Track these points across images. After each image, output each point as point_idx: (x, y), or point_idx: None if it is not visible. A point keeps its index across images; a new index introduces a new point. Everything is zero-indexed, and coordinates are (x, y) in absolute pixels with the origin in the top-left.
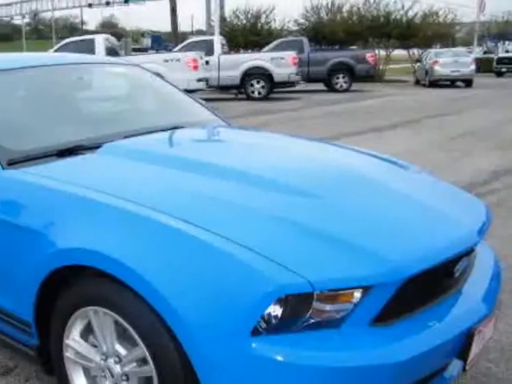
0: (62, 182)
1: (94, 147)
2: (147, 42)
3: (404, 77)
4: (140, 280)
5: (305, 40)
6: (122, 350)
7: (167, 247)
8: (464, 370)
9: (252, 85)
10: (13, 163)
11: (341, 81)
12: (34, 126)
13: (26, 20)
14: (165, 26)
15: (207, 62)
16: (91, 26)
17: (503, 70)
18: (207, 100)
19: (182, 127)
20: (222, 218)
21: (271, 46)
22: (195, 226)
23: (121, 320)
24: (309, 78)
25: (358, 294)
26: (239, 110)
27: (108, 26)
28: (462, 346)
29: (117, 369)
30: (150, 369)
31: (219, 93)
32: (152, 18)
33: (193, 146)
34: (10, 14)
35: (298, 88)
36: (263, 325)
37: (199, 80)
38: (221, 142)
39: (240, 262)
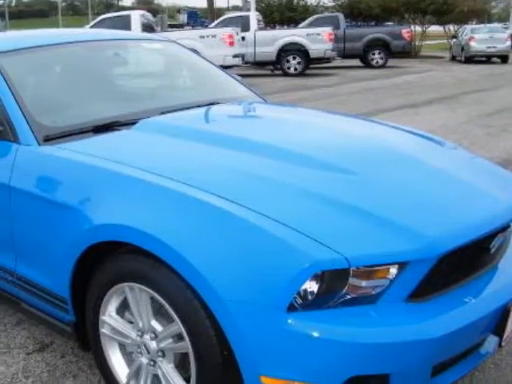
0: (97, 158)
1: (129, 123)
2: (183, 18)
3: (440, 53)
4: (176, 256)
5: (340, 16)
6: (158, 326)
7: (203, 223)
8: (500, 345)
9: (288, 61)
10: (49, 139)
11: (376, 57)
12: (70, 103)
13: None
14: (201, 2)
15: (243, 38)
16: (127, 2)
17: None
18: (243, 76)
19: (217, 103)
20: (258, 193)
21: (307, 22)
22: (231, 201)
23: (157, 296)
24: (344, 54)
25: (393, 270)
26: (275, 86)
27: (144, 2)
28: (498, 321)
29: (153, 345)
30: (186, 345)
31: (255, 69)
32: None
33: (228, 122)
34: None
35: (333, 64)
36: (299, 301)
37: (235, 56)
38: (256, 118)
39: (276, 238)
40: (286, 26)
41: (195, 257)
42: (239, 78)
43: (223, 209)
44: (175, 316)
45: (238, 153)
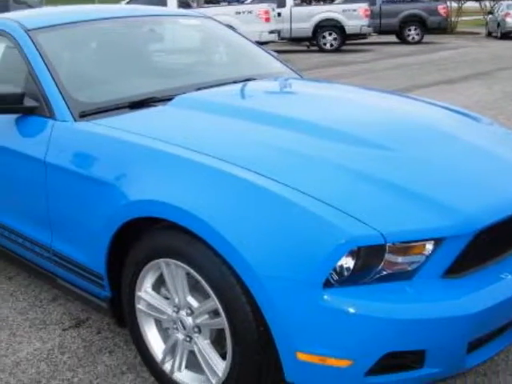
0: (133, 134)
1: (165, 99)
2: None
3: (476, 29)
4: (212, 232)
5: None
6: (193, 302)
7: (239, 199)
8: None
9: (324, 37)
10: (85, 115)
11: (412, 33)
12: (106, 79)
13: None
14: None
15: (279, 14)
16: None
17: None
18: (279, 52)
19: (253, 79)
20: (295, 169)
21: None
22: (267, 177)
23: (192, 272)
24: (380, 30)
25: (430, 246)
26: (311, 62)
27: None
28: None
29: (189, 321)
30: (222, 321)
31: (291, 45)
32: None
33: (264, 98)
34: None
35: (369, 40)
36: (335, 277)
37: (271, 32)
38: (293, 94)
39: (312, 214)
40: (321, 2)
41: (231, 233)
42: (275, 54)
43: (259, 185)
44: (211, 292)
45: (274, 129)
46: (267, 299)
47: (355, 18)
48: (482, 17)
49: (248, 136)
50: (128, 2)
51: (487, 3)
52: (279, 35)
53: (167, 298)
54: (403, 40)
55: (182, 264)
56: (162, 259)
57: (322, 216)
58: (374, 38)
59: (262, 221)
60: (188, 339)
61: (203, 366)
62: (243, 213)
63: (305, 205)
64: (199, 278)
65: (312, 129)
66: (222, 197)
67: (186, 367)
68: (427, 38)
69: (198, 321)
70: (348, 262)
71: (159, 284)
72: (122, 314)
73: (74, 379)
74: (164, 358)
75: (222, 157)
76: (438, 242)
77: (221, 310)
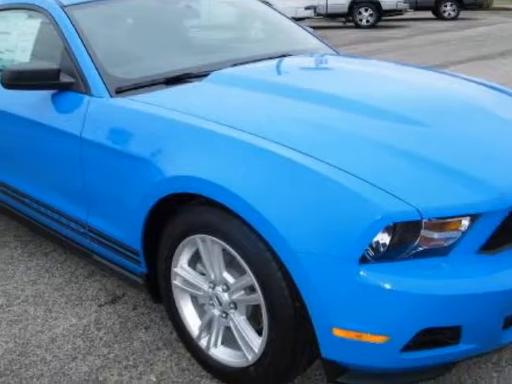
0: (169, 110)
1: (201, 75)
2: None
3: None
4: (248, 208)
5: None
6: (229, 278)
7: (275, 175)
8: None
9: (360, 13)
10: (121, 91)
11: (448, 9)
12: (142, 55)
13: None
14: None
15: None
16: None
17: None
18: (315, 28)
19: (289, 55)
20: (331, 146)
21: None
22: (303, 154)
23: (228, 248)
24: (416, 6)
25: (466, 222)
26: (347, 38)
27: None
28: None
29: (225, 297)
30: (258, 297)
31: (327, 21)
32: None
33: (300, 74)
34: None
35: (405, 16)
36: (371, 253)
37: (307, 8)
38: (328, 70)
39: (348, 191)
40: None
41: (267, 209)
42: (311, 30)
43: (295, 161)
44: (247, 268)
45: (310, 105)
46: (303, 275)
47: None
48: None
49: (284, 112)
50: None
51: None
52: (315, 11)
53: (203, 274)
54: (439, 16)
55: (218, 240)
56: (197, 235)
57: (358, 192)
58: (410, 14)
59: (298, 197)
60: (224, 315)
61: (239, 342)
62: (279, 189)
63: (341, 181)
64: (235, 253)
65: (348, 105)
66: (258, 173)
67: (222, 343)
68: (463, 14)
69: (234, 297)
70: (384, 238)
71: (195, 260)
72: (157, 289)
73: (109, 355)
74: (200, 334)
75: (257, 133)
76: (473, 218)
77: (257, 286)
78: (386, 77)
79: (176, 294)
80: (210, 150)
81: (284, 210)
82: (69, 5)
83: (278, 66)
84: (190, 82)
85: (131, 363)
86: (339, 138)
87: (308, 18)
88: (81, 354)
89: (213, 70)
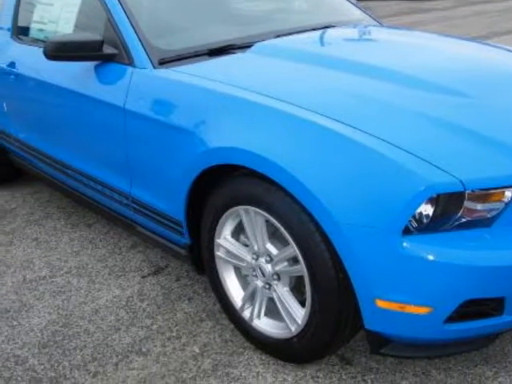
0: (213, 81)
1: (245, 46)
2: None
3: None
4: (291, 179)
5: None
6: (273, 250)
7: (318, 146)
8: None
9: None
10: (164, 62)
11: None
12: (185, 26)
13: None
14: None
15: None
16: None
17: None
18: None
19: (333, 26)
20: (374, 117)
21: None
22: (346, 125)
23: (272, 219)
24: None
25: (509, 194)
26: (390, 10)
27: None
28: None
29: (268, 268)
30: (301, 268)
31: None
32: None
33: (344, 45)
34: None
35: None
36: (414, 224)
37: None
38: (372, 41)
39: (391, 161)
40: None
41: (310, 180)
42: (354, 1)
43: (339, 132)
44: (290, 239)
45: (353, 76)
46: (346, 246)
47: None
48: None
49: (327, 83)
50: None
51: None
52: None
53: (246, 245)
54: None
55: (261, 211)
56: (241, 206)
57: (402, 163)
58: None
59: (341, 168)
60: (267, 286)
61: (282, 313)
62: (322, 160)
63: (385, 152)
64: (278, 225)
65: (391, 76)
66: (301, 144)
67: (265, 314)
68: None
69: (277, 268)
70: (427, 210)
71: (238, 231)
72: (200, 261)
73: (153, 326)
74: (243, 306)
75: (301, 104)
76: None
77: (300, 257)
78: (429, 48)
79: (219, 265)
80: (254, 121)
81: (327, 181)
82: None
83: (321, 38)
84: (234, 53)
85: (174, 334)
86: (383, 110)
87: None
88: (124, 325)
89: (256, 42)
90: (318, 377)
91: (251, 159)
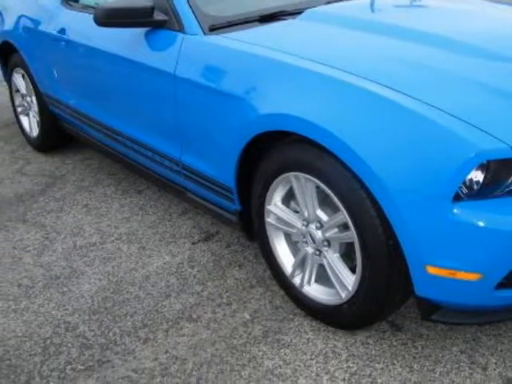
0: (263, 48)
1: (295, 13)
2: None
3: None
4: (342, 146)
5: None
6: (323, 216)
7: (369, 113)
8: None
9: None
10: (214, 29)
11: None
12: None
13: None
14: None
15: None
16: None
17: None
18: None
19: None
20: (424, 83)
21: None
22: (397, 91)
23: (322, 185)
24: None
25: None
26: None
27: None
28: None
29: (318, 234)
30: (352, 234)
31: None
32: None
33: (394, 12)
34: None
35: None
36: (465, 190)
37: None
38: (422, 8)
39: (442, 128)
40: None
41: (361, 146)
42: None
43: (389, 98)
44: (341, 206)
45: (403, 42)
46: (397, 213)
47: None
48: None
49: (379, 50)
50: None
51: None
52: None
53: (296, 212)
54: None
55: (312, 178)
56: (291, 173)
57: (452, 129)
58: None
59: (392, 135)
60: (317, 253)
61: (332, 279)
62: (373, 127)
63: (434, 118)
64: (329, 191)
65: (442, 42)
66: (352, 110)
67: (316, 281)
68: None
69: (328, 234)
70: (477, 176)
71: (288, 198)
72: (251, 227)
73: (203, 293)
74: (294, 272)
75: (352, 71)
76: None
77: (350, 224)
78: (480, 14)
79: (269, 231)
80: (305, 88)
81: (378, 148)
82: None
83: (371, 4)
84: (284, 19)
85: (225, 301)
86: (433, 76)
87: None
88: (174, 291)
89: (307, 8)
90: (368, 343)
91: (302, 126)
